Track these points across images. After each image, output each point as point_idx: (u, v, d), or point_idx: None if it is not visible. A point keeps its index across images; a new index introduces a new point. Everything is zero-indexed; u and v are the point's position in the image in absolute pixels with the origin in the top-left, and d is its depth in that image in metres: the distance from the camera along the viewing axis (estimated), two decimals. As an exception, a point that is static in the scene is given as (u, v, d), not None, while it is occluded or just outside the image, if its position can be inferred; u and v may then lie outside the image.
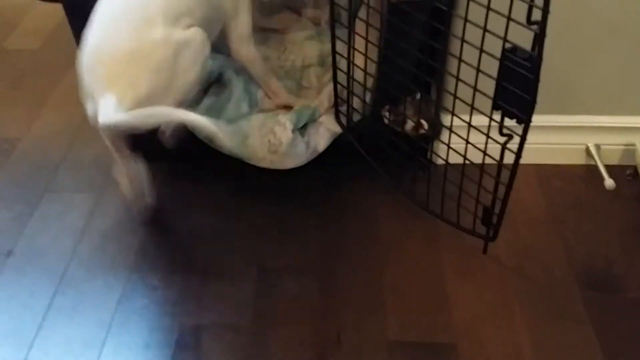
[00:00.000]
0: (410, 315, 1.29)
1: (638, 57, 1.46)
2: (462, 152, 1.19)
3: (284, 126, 1.37)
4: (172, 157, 1.58)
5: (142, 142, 1.54)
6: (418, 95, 1.37)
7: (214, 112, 1.45)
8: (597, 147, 1.57)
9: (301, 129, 1.44)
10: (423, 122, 1.37)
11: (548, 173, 1.60)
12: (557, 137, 1.58)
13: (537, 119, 1.52)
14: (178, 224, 1.48)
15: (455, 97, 1.14)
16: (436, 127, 1.37)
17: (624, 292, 1.31)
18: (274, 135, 1.36)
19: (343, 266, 1.38)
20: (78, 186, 1.56)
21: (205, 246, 1.43)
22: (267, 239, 1.44)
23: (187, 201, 1.53)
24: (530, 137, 1.54)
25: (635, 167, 1.54)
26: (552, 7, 1.35)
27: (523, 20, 0.96)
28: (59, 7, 1.35)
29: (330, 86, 1.45)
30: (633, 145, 1.53)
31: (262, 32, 1.66)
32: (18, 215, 1.48)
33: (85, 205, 1.50)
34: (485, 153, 1.13)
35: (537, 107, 1.50)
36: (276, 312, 1.29)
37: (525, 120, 1.02)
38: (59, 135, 1.69)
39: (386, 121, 1.43)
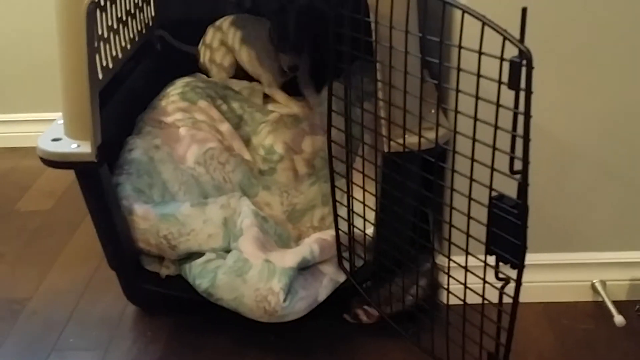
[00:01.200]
0: None
1: (634, 194, 1.50)
2: (463, 296, 1.20)
3: (277, 296, 1.37)
4: (177, 310, 1.59)
5: (148, 294, 1.57)
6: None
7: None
8: (603, 283, 1.57)
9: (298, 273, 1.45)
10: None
11: (556, 311, 1.58)
12: (563, 274, 1.58)
13: (540, 257, 1.55)
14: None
15: (450, 242, 1.17)
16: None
17: None
18: (268, 304, 1.37)
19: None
20: (84, 344, 1.55)
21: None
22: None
23: (194, 356, 1.51)
24: (536, 276, 1.56)
25: (643, 302, 1.53)
26: (544, 152, 1.44)
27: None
28: (70, 170, 1.41)
29: (331, 232, 1.48)
30: (638, 279, 1.52)
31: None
32: (23, 377, 1.46)
33: (90, 364, 1.49)
34: (483, 297, 1.13)
35: (540, 245, 1.54)
36: None
37: (518, 265, 1.03)
38: (67, 293, 1.71)
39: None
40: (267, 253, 1.43)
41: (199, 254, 1.49)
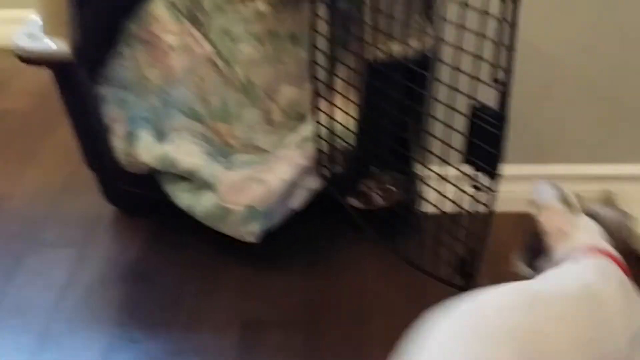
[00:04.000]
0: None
1: (611, 108, 1.51)
2: (439, 204, 1.22)
3: (256, 236, 1.41)
4: (157, 212, 1.60)
5: (128, 195, 1.58)
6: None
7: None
8: (577, 195, 1.60)
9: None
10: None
11: (529, 221, 1.61)
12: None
13: (517, 169, 1.57)
14: (162, 279, 1.48)
15: (429, 151, 1.18)
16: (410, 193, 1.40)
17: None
18: (247, 237, 1.41)
19: (328, 319, 1.39)
20: (63, 241, 1.57)
21: (189, 301, 1.43)
22: (251, 293, 1.45)
23: (171, 257, 1.54)
24: (512, 187, 1.59)
25: (613, 215, 1.57)
26: (526, 65, 1.42)
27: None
28: (47, 70, 1.38)
29: (307, 145, 1.48)
30: (609, 191, 1.56)
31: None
32: (4, 271, 1.48)
33: (69, 260, 1.51)
34: (458, 205, 1.16)
35: (516, 157, 1.55)
36: (260, 365, 1.30)
37: (494, 174, 1.05)
38: (45, 192, 1.71)
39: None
40: (248, 194, 1.42)
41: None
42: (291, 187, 1.46)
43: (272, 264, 1.52)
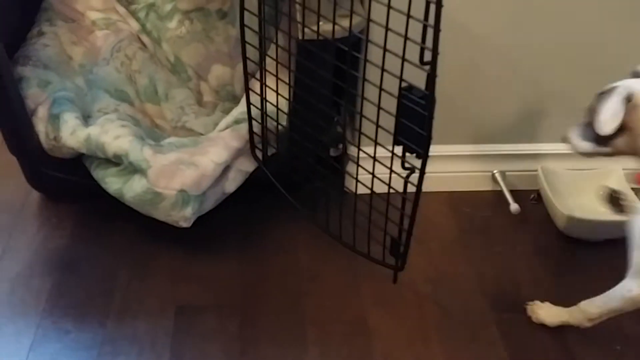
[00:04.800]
0: (331, 345, 1.30)
1: (535, 90, 1.56)
2: (370, 185, 1.23)
3: (188, 221, 1.39)
4: (85, 196, 1.55)
5: (54, 181, 1.52)
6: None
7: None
8: (503, 173, 1.65)
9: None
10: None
11: (459, 199, 1.66)
12: (466, 165, 1.66)
13: (446, 149, 1.61)
14: (91, 267, 1.45)
15: (360, 131, 1.18)
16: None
17: (532, 311, 1.38)
18: (180, 222, 1.40)
19: (263, 300, 1.39)
20: (-14, 231, 1.50)
21: (120, 288, 1.40)
22: (184, 278, 1.43)
23: (101, 243, 1.50)
24: (441, 166, 1.63)
25: (538, 192, 1.63)
26: (455, 46, 1.45)
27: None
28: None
29: (240, 127, 1.46)
30: (535, 170, 1.62)
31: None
32: None
33: (-7, 251, 1.45)
34: (389, 186, 1.17)
35: (446, 137, 1.59)
36: (195, 350, 1.28)
37: (422, 155, 1.06)
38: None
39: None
40: (181, 179, 1.38)
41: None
42: (225, 170, 1.44)
43: (205, 247, 1.50)
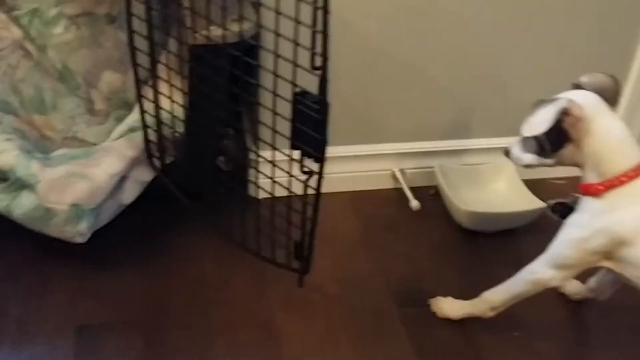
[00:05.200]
0: (240, 353, 1.29)
1: (429, 90, 1.60)
2: (271, 190, 1.22)
3: (84, 236, 1.33)
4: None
5: None
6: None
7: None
8: (402, 171, 1.69)
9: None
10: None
11: (361, 199, 1.69)
12: (367, 165, 1.68)
13: (346, 149, 1.63)
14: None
15: (257, 138, 1.17)
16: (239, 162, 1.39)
17: (435, 304, 1.42)
18: (75, 238, 1.33)
19: (169, 315, 1.35)
20: None
21: (15, 310, 1.32)
22: (85, 295, 1.37)
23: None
24: (342, 167, 1.65)
25: (436, 187, 1.68)
26: (351, 50, 1.47)
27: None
28: None
29: (135, 135, 1.42)
30: (432, 167, 1.66)
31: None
32: None
33: None
34: (289, 190, 1.17)
35: (347, 138, 1.61)
36: (98, 371, 1.24)
37: (319, 158, 1.07)
38: None
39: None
40: (73, 192, 1.32)
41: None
42: (120, 180, 1.39)
43: (105, 262, 1.44)
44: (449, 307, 1.36)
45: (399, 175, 1.69)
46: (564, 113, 1.05)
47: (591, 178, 1.11)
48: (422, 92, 1.61)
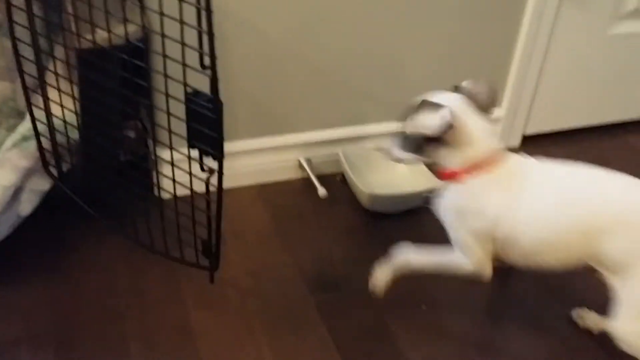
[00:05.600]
0: (155, 355, 1.28)
1: (329, 81, 1.63)
2: (173, 190, 1.22)
3: None
4: None
5: None
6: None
7: None
8: (308, 160, 1.72)
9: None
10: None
11: (270, 191, 1.70)
12: (272, 156, 1.70)
13: (249, 143, 1.64)
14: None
15: (154, 138, 1.16)
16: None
17: (347, 287, 1.45)
18: None
19: (80, 324, 1.32)
20: None
21: None
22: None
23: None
24: (248, 161, 1.65)
25: (342, 174, 1.71)
26: (248, 45, 1.46)
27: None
28: None
29: (28, 144, 1.37)
30: (337, 154, 1.70)
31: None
32: None
33: None
34: (191, 189, 1.17)
35: (249, 131, 1.61)
36: (6, 391, 1.20)
37: (218, 156, 1.07)
38: None
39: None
40: None
41: None
42: (16, 192, 1.34)
43: (8, 276, 1.39)
44: (380, 276, 1.35)
45: (304, 164, 1.71)
46: (448, 124, 1.12)
47: (454, 165, 1.19)
48: (320, 83, 1.63)
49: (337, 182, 1.72)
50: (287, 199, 1.68)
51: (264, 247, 1.54)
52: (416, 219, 1.64)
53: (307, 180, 1.71)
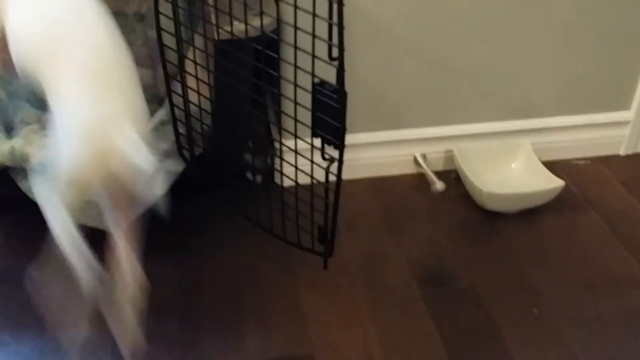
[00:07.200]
0: (269, 333, 1.34)
1: (442, 72, 1.64)
2: (295, 177, 1.28)
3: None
4: (14, 208, 1.54)
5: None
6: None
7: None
8: (424, 156, 1.74)
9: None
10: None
11: (383, 184, 1.73)
12: (388, 151, 1.73)
13: (367, 137, 1.68)
14: (23, 277, 1.44)
15: (279, 126, 1.23)
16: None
17: (456, 284, 1.46)
18: None
19: (201, 300, 1.41)
20: None
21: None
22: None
23: (32, 255, 1.49)
24: (364, 154, 1.70)
25: (456, 171, 1.72)
26: (370, 39, 1.51)
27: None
28: None
29: (166, 129, 1.48)
30: (451, 151, 1.70)
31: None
32: None
33: None
34: (312, 176, 1.22)
35: (367, 125, 1.66)
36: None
37: (339, 146, 1.12)
38: None
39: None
40: None
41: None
42: (154, 172, 1.46)
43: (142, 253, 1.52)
44: None
45: (420, 159, 1.73)
46: None
47: None
48: (440, 79, 1.64)
49: (452, 179, 1.73)
50: (401, 193, 1.71)
51: (375, 238, 1.58)
52: (530, 219, 1.62)
53: (422, 175, 1.73)
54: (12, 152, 1.41)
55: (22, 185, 1.46)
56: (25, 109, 1.57)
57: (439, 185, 1.67)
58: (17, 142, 1.42)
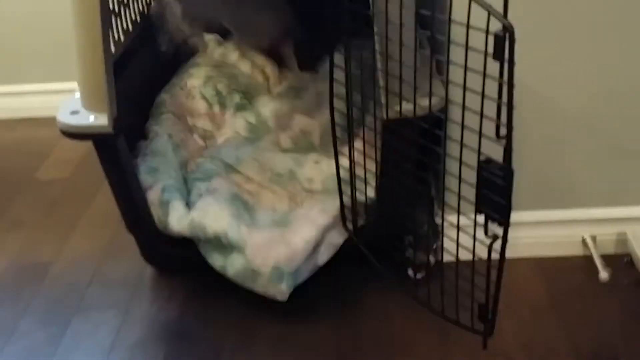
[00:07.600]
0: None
1: (615, 150, 1.58)
2: (455, 253, 1.29)
3: (284, 294, 1.50)
4: (196, 271, 1.67)
5: (167, 256, 1.66)
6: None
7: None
8: (593, 238, 1.66)
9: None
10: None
11: (548, 265, 1.67)
12: (554, 230, 1.68)
13: (533, 215, 1.65)
14: (200, 337, 1.55)
15: (443, 202, 1.25)
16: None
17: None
18: (276, 296, 1.52)
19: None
20: (106, 304, 1.65)
21: (226, 357, 1.49)
22: (283, 349, 1.50)
23: (208, 314, 1.61)
24: (529, 232, 1.66)
25: (630, 255, 1.62)
26: (535, 115, 1.51)
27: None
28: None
29: (328, 203, 1.58)
30: (624, 234, 1.61)
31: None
32: (51, 336, 1.56)
33: (113, 322, 1.59)
34: (474, 253, 1.22)
35: (533, 203, 1.63)
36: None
37: (504, 223, 1.12)
38: (87, 257, 1.81)
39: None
40: (274, 256, 1.49)
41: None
42: (316, 245, 1.54)
43: (302, 317, 1.58)
44: None
45: (589, 241, 1.66)
46: None
47: None
48: (612, 157, 1.59)
49: (624, 263, 1.63)
50: (566, 275, 1.64)
51: (537, 321, 1.52)
52: None
53: (590, 258, 1.65)
54: (192, 224, 1.56)
55: (202, 250, 1.59)
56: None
57: (602, 274, 1.58)
58: (195, 214, 1.56)
